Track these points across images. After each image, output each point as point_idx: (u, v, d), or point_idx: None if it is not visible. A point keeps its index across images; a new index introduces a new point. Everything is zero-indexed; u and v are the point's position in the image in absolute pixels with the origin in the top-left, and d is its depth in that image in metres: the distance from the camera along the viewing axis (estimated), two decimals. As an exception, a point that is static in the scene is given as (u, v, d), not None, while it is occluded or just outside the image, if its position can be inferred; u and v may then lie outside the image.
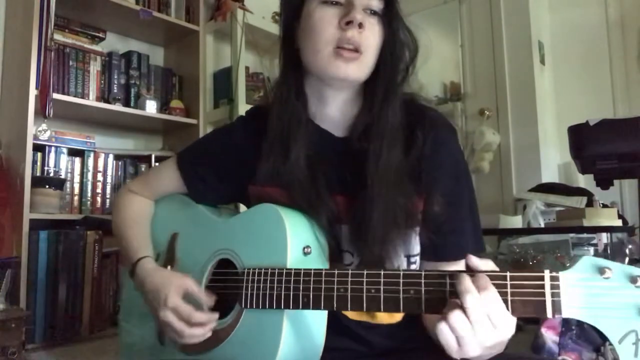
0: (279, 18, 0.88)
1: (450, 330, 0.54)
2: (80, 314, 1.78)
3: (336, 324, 0.76)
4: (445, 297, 0.59)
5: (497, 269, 0.59)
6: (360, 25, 0.75)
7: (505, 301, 0.56)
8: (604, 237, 2.06)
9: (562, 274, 0.55)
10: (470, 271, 0.58)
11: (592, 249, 2.07)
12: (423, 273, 0.61)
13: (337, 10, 0.76)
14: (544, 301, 0.54)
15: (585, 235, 2.08)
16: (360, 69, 0.77)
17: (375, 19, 0.78)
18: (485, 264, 0.59)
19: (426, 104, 0.84)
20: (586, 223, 1.97)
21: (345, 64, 0.76)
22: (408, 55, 0.80)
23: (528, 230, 2.29)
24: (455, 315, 0.54)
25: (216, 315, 0.77)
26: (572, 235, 2.10)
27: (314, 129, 0.83)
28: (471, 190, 0.82)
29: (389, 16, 0.79)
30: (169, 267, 0.88)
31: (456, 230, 0.78)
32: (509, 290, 0.56)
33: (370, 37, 0.77)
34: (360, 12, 0.75)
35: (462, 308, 0.54)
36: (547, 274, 0.55)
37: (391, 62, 0.79)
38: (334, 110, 0.83)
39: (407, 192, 0.76)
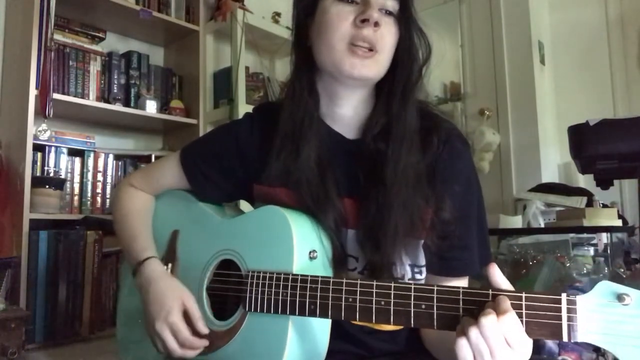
0: (289, 16, 0.87)
1: (471, 347, 0.54)
2: (80, 314, 1.79)
3: (337, 328, 0.75)
4: (458, 313, 0.58)
5: (512, 287, 0.58)
6: (376, 24, 0.74)
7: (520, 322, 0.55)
8: (604, 237, 2.05)
9: (579, 298, 0.54)
10: (485, 288, 0.58)
11: (592, 249, 2.07)
12: (435, 288, 0.60)
13: (352, 8, 0.76)
14: (560, 324, 0.54)
15: (585, 235, 2.07)
16: (375, 67, 0.77)
17: (391, 19, 0.78)
18: (504, 280, 0.59)
19: (439, 113, 0.84)
20: (586, 223, 1.96)
21: (360, 62, 0.75)
22: (421, 56, 0.80)
23: (528, 230, 2.28)
24: (476, 334, 0.53)
25: (206, 342, 0.77)
26: (572, 235, 2.09)
27: (325, 129, 0.83)
28: (481, 206, 0.82)
29: (404, 17, 0.79)
30: (169, 265, 0.88)
31: (463, 246, 0.78)
32: (524, 311, 0.55)
33: (386, 36, 0.76)
34: (376, 11, 0.75)
35: (481, 329, 0.53)
36: (564, 297, 0.54)
37: (408, 62, 0.79)
38: (346, 111, 0.82)
39: (426, 195, 0.75)
